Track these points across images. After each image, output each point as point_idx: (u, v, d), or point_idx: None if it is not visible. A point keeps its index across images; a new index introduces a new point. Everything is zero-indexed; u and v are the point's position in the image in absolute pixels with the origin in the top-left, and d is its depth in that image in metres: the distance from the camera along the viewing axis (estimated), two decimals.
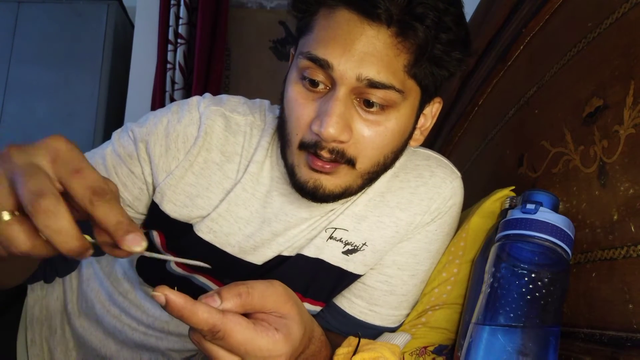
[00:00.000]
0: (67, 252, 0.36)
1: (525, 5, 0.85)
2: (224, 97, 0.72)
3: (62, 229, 0.35)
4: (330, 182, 0.60)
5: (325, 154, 0.58)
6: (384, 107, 0.58)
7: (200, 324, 0.39)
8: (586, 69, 0.63)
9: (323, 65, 0.56)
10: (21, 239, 0.36)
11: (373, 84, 0.55)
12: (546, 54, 0.78)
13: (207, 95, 0.71)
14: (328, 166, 0.59)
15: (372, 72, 0.55)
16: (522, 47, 0.88)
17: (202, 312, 0.39)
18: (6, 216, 0.36)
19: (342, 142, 0.57)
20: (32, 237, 0.37)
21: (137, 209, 0.70)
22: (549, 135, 0.70)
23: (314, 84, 0.58)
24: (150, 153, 0.66)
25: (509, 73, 0.93)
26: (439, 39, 0.57)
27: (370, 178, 0.63)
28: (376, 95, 0.56)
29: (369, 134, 0.58)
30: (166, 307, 0.38)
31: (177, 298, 0.38)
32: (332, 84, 0.57)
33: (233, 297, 0.42)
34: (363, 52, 0.55)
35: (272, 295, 0.44)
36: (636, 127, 0.51)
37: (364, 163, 0.60)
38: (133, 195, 0.68)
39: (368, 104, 0.57)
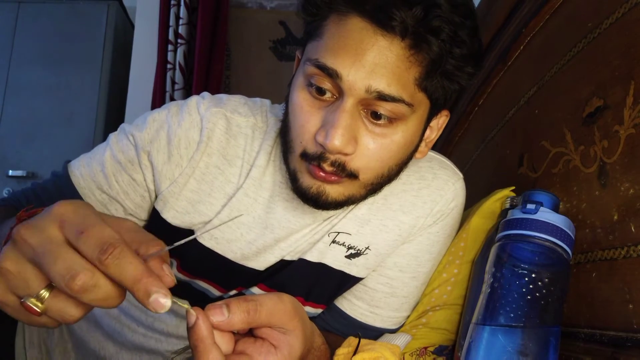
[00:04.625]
0: (113, 307, 0.37)
1: (525, 5, 0.85)
2: (223, 97, 0.70)
3: (107, 296, 0.35)
4: (334, 189, 0.59)
5: (327, 166, 0.57)
6: (392, 120, 0.56)
7: None
8: (586, 69, 0.63)
9: (331, 74, 0.54)
10: (72, 309, 0.36)
11: (382, 97, 0.54)
12: (546, 54, 0.78)
13: (206, 95, 0.69)
14: (334, 178, 0.58)
15: (382, 85, 0.53)
16: (522, 47, 0.88)
17: (213, 357, 0.39)
18: (45, 293, 0.36)
19: (346, 154, 0.56)
20: (79, 303, 0.36)
21: (140, 216, 0.69)
22: (549, 135, 0.70)
23: (321, 92, 0.56)
24: (152, 161, 0.65)
25: (509, 73, 0.93)
26: (453, 54, 0.55)
27: (374, 189, 0.62)
28: (385, 108, 0.55)
29: (374, 147, 0.57)
30: (191, 327, 0.39)
31: (204, 328, 0.38)
32: (340, 94, 0.55)
33: (241, 312, 0.41)
34: (374, 63, 0.53)
35: (279, 312, 0.44)
36: (636, 127, 0.51)
37: (367, 174, 0.59)
38: (135, 203, 0.67)
39: (376, 116, 0.56)
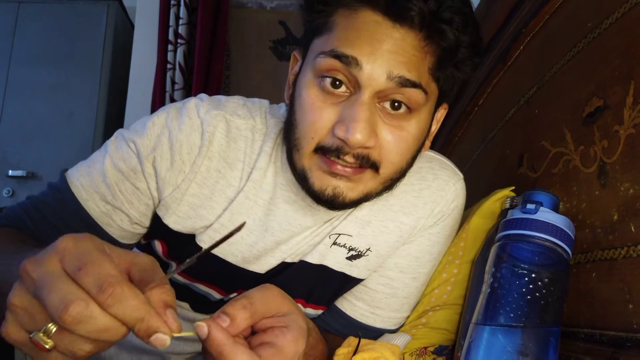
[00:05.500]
0: (118, 339, 0.35)
1: (525, 5, 0.85)
2: (222, 99, 0.69)
3: (105, 327, 0.34)
4: (351, 188, 0.58)
5: (349, 158, 0.56)
6: (409, 110, 0.56)
7: None
8: (586, 69, 0.63)
9: (350, 63, 0.53)
10: (81, 343, 0.35)
11: (404, 82, 0.54)
12: (546, 54, 0.78)
13: (204, 97, 0.68)
14: (350, 170, 0.56)
15: (403, 70, 0.54)
16: (522, 47, 0.88)
17: (242, 352, 0.39)
18: (53, 327, 0.34)
19: (368, 147, 0.55)
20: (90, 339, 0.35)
21: (145, 224, 0.68)
22: (549, 135, 0.70)
23: (335, 85, 0.56)
24: (157, 167, 0.64)
25: (509, 73, 0.93)
26: (464, 43, 0.57)
27: (391, 185, 0.62)
28: (404, 96, 0.55)
29: (392, 139, 0.57)
30: (206, 340, 0.38)
31: (220, 333, 0.38)
32: (356, 87, 0.55)
33: (239, 311, 0.41)
34: (391, 51, 0.53)
35: (270, 297, 0.44)
36: (636, 127, 0.51)
37: (388, 168, 0.58)
38: (139, 212, 0.66)
39: (394, 106, 0.56)
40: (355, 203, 0.60)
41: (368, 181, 0.59)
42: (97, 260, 0.34)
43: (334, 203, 0.58)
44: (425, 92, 0.56)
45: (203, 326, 0.38)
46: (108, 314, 0.34)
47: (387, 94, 0.55)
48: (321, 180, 0.58)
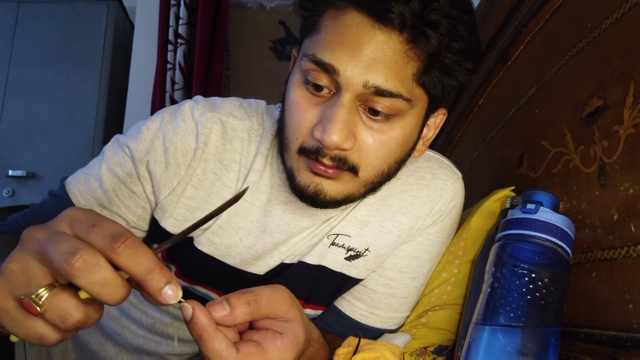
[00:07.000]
0: (114, 302, 0.35)
1: (525, 5, 0.85)
2: (217, 100, 0.68)
3: (108, 280, 0.34)
4: (332, 187, 0.58)
5: (327, 161, 0.56)
6: (389, 116, 0.56)
7: (214, 353, 0.39)
8: (586, 69, 0.63)
9: (328, 70, 0.53)
10: (72, 308, 0.35)
11: (380, 92, 0.53)
12: (546, 54, 0.78)
13: (200, 99, 0.68)
14: (331, 171, 0.57)
15: (380, 80, 0.53)
16: (522, 47, 0.88)
17: (220, 341, 0.39)
18: (44, 292, 0.34)
19: (344, 149, 0.55)
20: (82, 303, 0.35)
21: (143, 228, 0.68)
22: (549, 135, 0.70)
23: (317, 88, 0.56)
24: (151, 170, 0.64)
25: (509, 73, 0.93)
26: (451, 48, 0.55)
27: (373, 187, 0.61)
28: (382, 104, 0.54)
29: (372, 143, 0.56)
30: (190, 321, 0.38)
31: (203, 317, 0.38)
32: (337, 89, 0.55)
33: (242, 305, 0.41)
34: (371, 58, 0.52)
35: (278, 301, 0.44)
36: (636, 127, 0.51)
37: (367, 172, 0.58)
38: (137, 216, 0.66)
39: (373, 112, 0.55)
40: (337, 203, 0.60)
41: (348, 183, 0.58)
42: (108, 221, 0.36)
43: (316, 200, 0.58)
44: (407, 99, 0.55)
45: (188, 307, 0.38)
46: (115, 266, 0.34)
47: (366, 99, 0.54)
48: (306, 178, 0.58)
